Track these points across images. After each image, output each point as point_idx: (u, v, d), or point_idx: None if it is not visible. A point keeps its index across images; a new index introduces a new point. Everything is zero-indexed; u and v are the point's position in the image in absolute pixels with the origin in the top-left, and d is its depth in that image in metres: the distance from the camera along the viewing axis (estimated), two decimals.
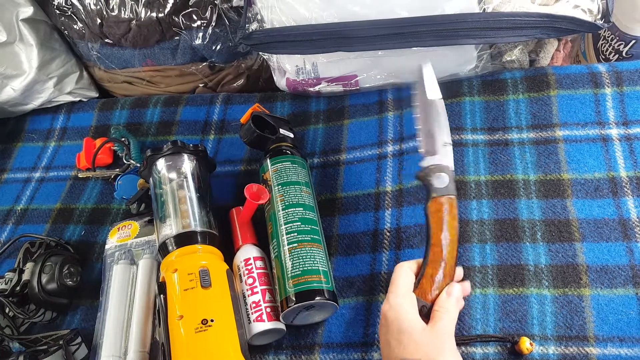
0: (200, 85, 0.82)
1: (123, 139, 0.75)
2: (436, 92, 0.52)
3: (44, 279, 0.60)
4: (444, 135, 0.50)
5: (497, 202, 0.58)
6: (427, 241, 0.48)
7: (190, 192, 0.60)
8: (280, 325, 0.53)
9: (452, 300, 0.46)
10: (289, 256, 0.54)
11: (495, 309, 0.52)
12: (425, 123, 0.51)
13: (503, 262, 0.54)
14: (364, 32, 0.59)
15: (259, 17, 0.64)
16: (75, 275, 0.63)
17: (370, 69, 0.66)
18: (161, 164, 0.62)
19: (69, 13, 0.77)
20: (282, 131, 0.64)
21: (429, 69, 0.52)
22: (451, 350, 0.44)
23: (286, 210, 0.57)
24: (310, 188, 0.60)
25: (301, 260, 0.53)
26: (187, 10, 0.73)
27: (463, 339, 0.50)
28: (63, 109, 0.84)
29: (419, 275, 0.48)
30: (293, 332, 0.55)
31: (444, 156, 0.50)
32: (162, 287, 0.53)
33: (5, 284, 0.61)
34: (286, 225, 0.56)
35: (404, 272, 0.48)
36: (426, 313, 0.46)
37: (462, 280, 0.50)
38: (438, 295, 0.47)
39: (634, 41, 0.67)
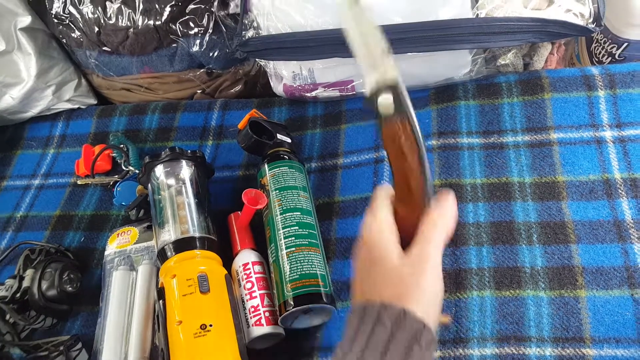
0: (198, 91, 0.83)
1: (122, 145, 0.75)
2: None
3: (44, 285, 0.61)
4: (377, 45, 0.39)
5: (493, 205, 0.58)
6: (390, 171, 0.41)
7: (189, 198, 0.60)
8: (279, 330, 0.54)
9: (430, 221, 0.39)
10: (287, 260, 0.54)
11: (492, 311, 0.52)
12: (360, 36, 0.40)
13: (499, 265, 0.55)
14: None
15: (255, 24, 0.65)
16: (75, 281, 0.63)
17: None
18: (159, 170, 0.62)
19: (67, 21, 0.78)
20: (279, 136, 0.65)
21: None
22: (430, 285, 0.37)
23: (284, 215, 0.57)
24: (307, 192, 0.61)
25: (299, 264, 0.54)
26: (184, 18, 0.74)
27: None
28: (62, 116, 0.85)
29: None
30: (292, 336, 0.56)
31: (384, 69, 0.39)
32: (161, 293, 0.53)
33: (6, 290, 0.61)
34: (284, 230, 0.56)
35: (385, 191, 0.41)
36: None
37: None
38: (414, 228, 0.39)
39: (626, 44, 0.68)
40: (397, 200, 0.41)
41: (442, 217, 0.40)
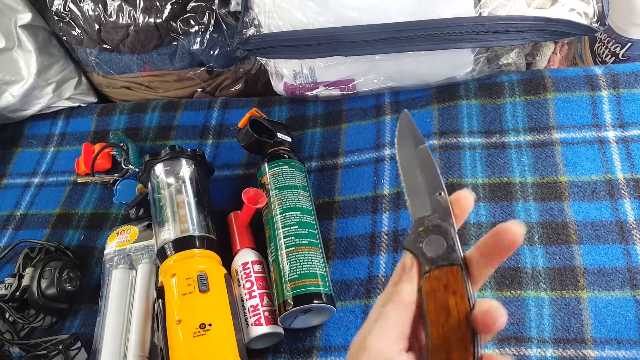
0: (199, 89, 0.83)
1: (122, 144, 0.75)
2: (411, 139, 0.38)
3: (44, 284, 0.60)
4: (437, 187, 0.35)
5: (494, 205, 0.58)
6: (425, 331, 0.31)
7: (189, 197, 0.60)
8: (278, 329, 0.54)
9: None
10: (287, 260, 0.54)
11: None
12: (410, 178, 0.37)
13: (501, 265, 0.54)
14: (361, 36, 0.60)
15: (256, 22, 0.65)
16: (75, 280, 0.63)
17: (367, 73, 0.67)
18: (159, 168, 0.62)
19: (67, 19, 0.77)
20: (279, 135, 0.64)
21: (407, 117, 0.39)
22: None
23: (284, 214, 0.57)
24: (307, 192, 0.60)
25: (299, 263, 0.53)
26: (184, 16, 0.73)
27: None
28: (62, 114, 0.84)
29: None
30: (291, 336, 0.55)
31: (440, 212, 0.34)
32: (160, 292, 0.53)
33: (5, 289, 0.61)
34: (284, 229, 0.56)
35: (394, 318, 0.31)
36: None
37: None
38: None
39: (630, 44, 0.67)
40: None
41: None
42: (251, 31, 0.65)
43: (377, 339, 0.31)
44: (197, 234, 0.57)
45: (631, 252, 0.53)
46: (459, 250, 0.32)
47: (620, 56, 0.69)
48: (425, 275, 0.32)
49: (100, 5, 0.74)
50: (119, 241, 0.65)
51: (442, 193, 0.34)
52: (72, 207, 0.73)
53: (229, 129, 0.75)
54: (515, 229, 0.30)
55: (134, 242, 0.64)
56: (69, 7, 0.76)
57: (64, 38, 0.81)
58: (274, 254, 0.55)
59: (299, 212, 0.57)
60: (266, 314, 0.53)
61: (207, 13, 0.73)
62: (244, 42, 0.65)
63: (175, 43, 0.76)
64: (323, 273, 0.54)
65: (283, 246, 0.55)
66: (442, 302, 0.31)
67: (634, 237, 0.53)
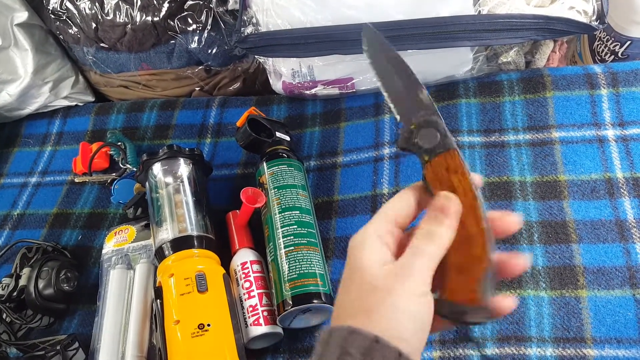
0: (197, 88, 0.82)
1: (119, 143, 0.75)
2: (379, 44, 0.41)
3: (41, 284, 0.60)
4: (415, 86, 0.38)
5: (493, 204, 0.58)
6: None
7: (187, 196, 0.60)
8: (277, 329, 0.53)
9: (440, 219, 0.33)
10: (286, 259, 0.54)
11: None
12: (388, 84, 0.39)
13: None
14: (359, 35, 0.59)
15: (254, 20, 0.64)
16: (72, 280, 0.63)
17: (367, 71, 0.66)
18: (157, 168, 0.61)
19: (64, 17, 0.77)
20: (278, 134, 0.64)
21: (370, 29, 0.42)
22: (409, 305, 0.30)
23: (282, 214, 0.57)
24: (306, 191, 0.60)
25: (298, 263, 0.53)
26: (182, 14, 0.73)
27: None
28: (59, 113, 0.84)
29: (440, 269, 0.33)
30: (290, 336, 0.55)
31: (425, 108, 0.37)
32: (158, 292, 0.53)
33: (2, 289, 0.61)
34: (282, 229, 0.56)
35: (395, 200, 0.36)
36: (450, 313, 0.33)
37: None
38: (476, 295, 0.32)
39: (629, 42, 0.67)
40: (451, 250, 0.33)
41: (440, 224, 0.33)
42: (249, 29, 0.64)
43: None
44: (195, 233, 0.57)
45: (631, 251, 0.52)
46: (451, 136, 0.36)
47: (619, 54, 0.69)
48: (426, 165, 0.35)
49: (97, 4, 0.74)
50: (117, 241, 0.65)
51: (423, 90, 0.38)
52: (69, 207, 0.73)
53: (227, 128, 0.75)
54: (511, 219, 0.34)
55: (132, 242, 0.64)
56: (66, 6, 0.76)
57: (61, 37, 0.80)
58: (272, 253, 0.55)
59: (298, 212, 0.57)
60: (265, 313, 0.53)
61: (204, 11, 0.73)
62: (242, 41, 0.64)
63: (172, 42, 0.76)
64: (322, 273, 0.54)
65: (282, 246, 0.55)
66: (447, 182, 0.34)
67: (634, 236, 0.53)
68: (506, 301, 0.33)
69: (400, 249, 0.34)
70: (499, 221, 0.35)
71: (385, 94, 0.39)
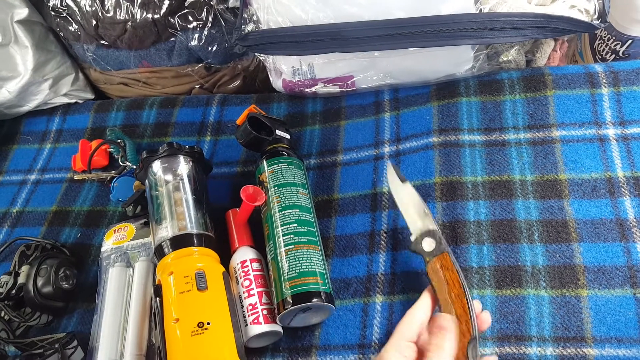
0: (197, 86, 0.82)
1: (119, 140, 0.75)
2: (398, 180, 0.57)
3: (40, 282, 0.60)
4: (420, 208, 0.54)
5: (494, 203, 0.58)
6: (438, 306, 0.48)
7: (186, 194, 0.59)
8: (277, 328, 0.53)
9: (443, 334, 0.44)
10: (286, 258, 0.53)
11: (493, 310, 0.52)
12: (405, 210, 0.55)
13: (500, 263, 0.54)
14: (360, 32, 0.59)
15: (254, 18, 0.64)
16: (71, 278, 0.63)
17: (367, 69, 0.66)
18: (157, 165, 0.61)
19: (64, 14, 0.77)
20: (278, 132, 0.64)
21: (392, 165, 0.58)
22: None
23: (282, 212, 0.56)
24: (306, 189, 0.60)
25: (298, 262, 0.53)
26: (182, 12, 0.73)
27: None
28: (59, 110, 0.84)
29: None
30: (290, 335, 0.55)
31: (426, 223, 0.53)
32: (158, 290, 0.53)
33: (1, 287, 0.61)
34: (282, 227, 0.55)
35: (406, 321, 0.47)
36: None
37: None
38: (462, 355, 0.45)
39: (630, 41, 0.67)
40: None
41: (446, 320, 0.45)
42: (250, 27, 0.64)
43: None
44: (195, 231, 0.57)
45: (631, 250, 0.52)
46: (445, 243, 0.51)
47: (620, 54, 0.69)
48: (428, 263, 0.50)
49: (97, 1, 0.73)
50: (116, 239, 0.64)
51: (426, 209, 0.54)
52: (68, 205, 0.72)
53: (227, 126, 0.74)
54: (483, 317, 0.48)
55: (131, 240, 0.64)
56: (66, 3, 0.76)
57: (61, 34, 0.80)
58: (272, 252, 0.55)
59: (298, 210, 0.57)
60: (265, 312, 0.53)
61: (205, 9, 0.73)
62: (242, 38, 0.64)
63: (173, 39, 0.76)
64: (322, 271, 0.54)
65: (282, 244, 0.54)
66: (441, 277, 0.48)
67: (634, 235, 0.53)
68: None
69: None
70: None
71: (401, 211, 0.56)
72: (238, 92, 0.82)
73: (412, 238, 0.53)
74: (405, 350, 0.45)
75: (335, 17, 0.59)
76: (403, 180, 0.56)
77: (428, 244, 0.51)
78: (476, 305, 0.48)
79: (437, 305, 0.48)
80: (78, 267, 0.65)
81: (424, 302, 0.48)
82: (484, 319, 0.48)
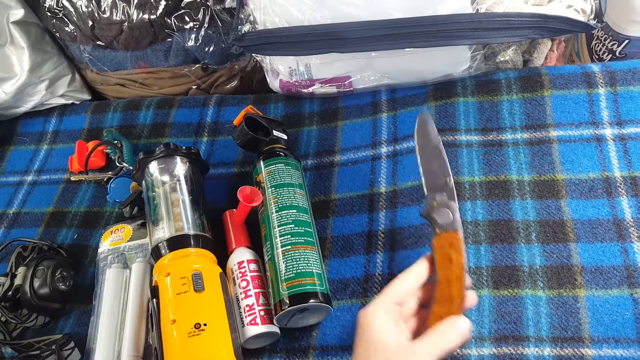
0: (193, 87, 0.82)
1: (116, 141, 0.75)
2: (437, 136, 0.54)
3: (37, 283, 0.60)
4: (447, 174, 0.51)
5: (491, 203, 0.58)
6: (433, 277, 0.47)
7: (183, 195, 0.59)
8: (274, 329, 0.53)
9: (454, 330, 0.43)
10: (283, 259, 0.53)
11: (490, 310, 0.52)
12: (428, 163, 0.52)
13: (498, 264, 0.54)
14: (357, 33, 0.59)
15: (251, 18, 0.64)
16: (68, 279, 0.63)
17: (364, 70, 0.66)
18: (154, 166, 0.61)
19: (60, 15, 0.76)
20: (275, 133, 0.64)
21: (427, 117, 0.55)
22: None
23: (279, 213, 0.56)
24: (304, 190, 0.60)
25: (295, 262, 0.53)
26: (179, 12, 0.73)
27: None
28: (55, 111, 0.84)
29: (428, 314, 0.46)
30: (287, 335, 0.55)
31: (448, 192, 0.50)
32: (154, 291, 0.53)
33: None
34: (280, 228, 0.55)
35: (398, 283, 0.46)
36: None
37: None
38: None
39: (627, 41, 0.67)
40: (436, 302, 0.45)
41: (464, 324, 0.43)
42: (246, 27, 0.64)
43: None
44: (192, 232, 0.56)
45: (628, 251, 0.52)
46: (459, 221, 0.48)
47: (617, 53, 0.69)
48: (436, 235, 0.48)
49: (93, 2, 0.73)
50: (113, 240, 0.64)
51: (450, 179, 0.50)
52: (65, 206, 0.72)
53: (224, 127, 0.74)
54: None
55: (128, 241, 0.64)
56: (62, 4, 0.75)
57: (57, 34, 0.80)
58: (269, 252, 0.55)
59: (295, 211, 0.57)
60: (262, 313, 0.53)
61: (202, 9, 0.73)
62: (239, 39, 0.64)
63: (169, 40, 0.75)
64: (319, 272, 0.54)
65: (279, 245, 0.54)
66: (447, 253, 0.46)
67: (632, 235, 0.53)
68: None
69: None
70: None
71: (420, 169, 0.52)
72: (235, 92, 0.82)
73: (427, 202, 0.50)
74: (390, 310, 0.44)
75: (332, 18, 0.59)
76: (436, 137, 0.52)
77: (442, 216, 0.48)
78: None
79: (430, 276, 0.47)
80: (75, 268, 0.65)
81: (419, 268, 0.47)
82: (470, 299, 0.47)
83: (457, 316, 0.44)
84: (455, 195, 0.49)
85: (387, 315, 0.43)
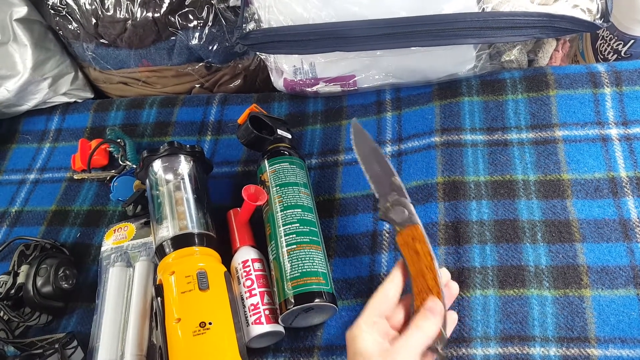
0: (197, 85, 0.82)
1: (119, 140, 0.74)
2: (372, 141, 0.56)
3: (39, 281, 0.60)
4: (390, 173, 0.53)
5: (496, 203, 0.57)
6: (409, 281, 0.48)
7: (187, 194, 0.59)
8: (279, 328, 0.53)
9: (427, 316, 0.44)
10: (288, 258, 0.53)
11: (496, 310, 0.51)
12: (371, 170, 0.54)
13: (503, 263, 0.54)
14: (362, 32, 0.59)
15: (256, 16, 0.64)
16: (71, 278, 0.62)
17: (369, 69, 0.66)
18: (157, 165, 0.61)
19: (64, 13, 0.76)
20: (279, 132, 0.64)
21: (358, 126, 0.57)
22: None
23: (284, 212, 0.56)
24: (308, 189, 0.60)
25: (300, 262, 0.53)
26: (183, 10, 0.72)
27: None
28: (58, 110, 0.83)
29: (412, 311, 0.47)
30: (292, 335, 0.55)
31: (397, 190, 0.52)
32: (159, 290, 0.52)
33: (0, 287, 0.60)
34: (284, 227, 0.55)
35: (378, 297, 0.47)
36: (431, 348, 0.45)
37: (457, 288, 0.50)
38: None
39: (632, 41, 0.67)
40: (417, 298, 0.46)
41: (435, 303, 0.45)
42: (251, 26, 0.64)
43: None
44: (196, 231, 0.56)
45: (634, 251, 0.52)
46: (415, 214, 0.50)
47: (622, 53, 0.69)
48: (398, 233, 0.49)
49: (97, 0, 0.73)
50: (116, 239, 0.64)
51: (394, 177, 0.53)
52: (68, 204, 0.72)
53: (228, 126, 0.74)
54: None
55: (132, 240, 0.64)
56: (66, 1, 0.75)
57: (60, 32, 0.80)
58: (274, 251, 0.55)
59: (300, 210, 0.56)
60: (267, 312, 0.53)
61: (206, 7, 0.72)
62: (243, 37, 0.64)
63: (173, 38, 0.75)
64: (325, 271, 0.53)
65: (284, 244, 0.54)
66: (413, 247, 0.48)
67: (637, 236, 0.53)
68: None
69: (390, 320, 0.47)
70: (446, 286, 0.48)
71: (367, 177, 0.54)
72: (239, 91, 0.82)
73: (381, 205, 0.51)
74: (377, 324, 0.45)
75: (337, 16, 0.59)
76: (372, 142, 0.55)
77: (398, 214, 0.50)
78: (443, 273, 0.48)
79: (407, 279, 0.48)
80: (78, 266, 0.65)
81: (395, 276, 0.48)
82: (452, 288, 0.49)
83: (429, 301, 0.45)
84: (405, 190, 0.52)
85: (371, 328, 0.44)
